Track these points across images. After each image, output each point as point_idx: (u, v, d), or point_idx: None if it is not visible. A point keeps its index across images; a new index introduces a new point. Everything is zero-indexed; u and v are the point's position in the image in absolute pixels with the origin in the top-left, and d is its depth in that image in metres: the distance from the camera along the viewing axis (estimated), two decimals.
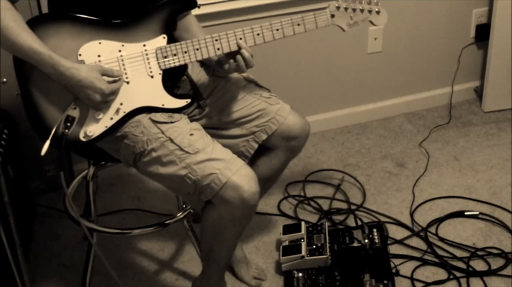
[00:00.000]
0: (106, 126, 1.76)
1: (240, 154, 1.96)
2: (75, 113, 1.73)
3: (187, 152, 1.72)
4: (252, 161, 2.03)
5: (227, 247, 1.88)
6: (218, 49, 1.80)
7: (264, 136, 1.97)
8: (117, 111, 1.76)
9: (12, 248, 1.97)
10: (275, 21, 1.82)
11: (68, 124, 1.72)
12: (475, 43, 3.17)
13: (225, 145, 1.85)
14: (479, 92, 3.24)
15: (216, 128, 1.97)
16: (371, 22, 1.90)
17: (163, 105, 1.80)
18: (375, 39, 2.98)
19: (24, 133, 2.39)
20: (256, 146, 1.98)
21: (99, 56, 1.73)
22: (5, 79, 1.70)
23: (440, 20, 3.06)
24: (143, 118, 1.78)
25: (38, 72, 1.68)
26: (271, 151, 2.03)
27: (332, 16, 1.86)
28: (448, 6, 3.03)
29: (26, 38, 1.63)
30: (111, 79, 1.72)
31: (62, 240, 2.43)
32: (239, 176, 1.69)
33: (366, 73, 3.05)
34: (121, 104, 1.76)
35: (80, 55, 1.72)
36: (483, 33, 3.10)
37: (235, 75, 1.96)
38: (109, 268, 1.83)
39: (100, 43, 1.73)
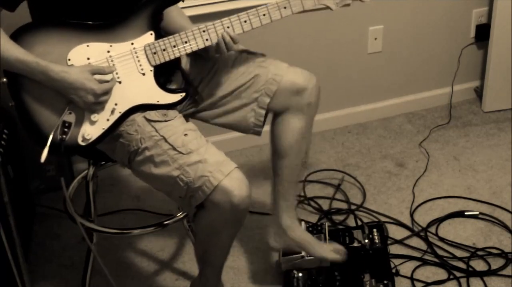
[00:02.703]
0: (103, 128, 1.76)
1: (252, 126, 1.95)
2: (70, 118, 1.72)
3: (180, 152, 1.70)
4: (273, 135, 2.01)
5: (221, 250, 1.87)
6: (207, 39, 1.80)
7: (267, 99, 1.93)
8: (113, 111, 1.75)
9: (12, 248, 1.96)
10: (261, 6, 1.81)
11: (65, 129, 1.71)
12: (475, 43, 3.17)
13: (233, 122, 1.88)
14: (479, 92, 3.24)
15: (215, 107, 1.96)
16: None
17: (158, 101, 1.79)
18: (375, 39, 2.98)
19: (24, 133, 2.38)
20: (263, 112, 1.94)
21: (88, 59, 1.73)
22: (5, 79, 1.70)
23: (440, 20, 3.06)
24: (138, 116, 1.78)
25: (29, 81, 1.68)
26: (287, 114, 1.97)
27: None
28: (448, 6, 3.03)
29: (11, 50, 1.64)
30: (103, 77, 1.72)
31: (62, 240, 2.43)
32: (230, 179, 1.66)
33: (366, 73, 3.06)
34: (115, 104, 1.75)
35: (69, 59, 1.71)
36: (483, 33, 3.10)
37: None
38: (104, 268, 1.84)
39: (88, 45, 1.73)
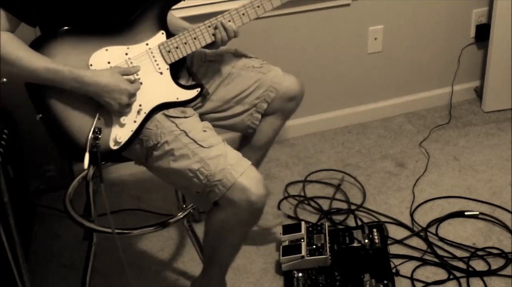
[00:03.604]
0: (132, 130, 1.77)
1: (247, 128, 2.03)
2: (100, 123, 1.73)
3: (202, 146, 1.72)
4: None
5: (230, 249, 1.88)
6: (213, 34, 1.85)
7: (265, 105, 2.01)
8: (139, 112, 1.78)
9: (12, 248, 1.96)
10: (255, 0, 1.88)
11: (98, 135, 1.71)
12: (475, 43, 3.17)
13: (232, 125, 1.94)
14: (479, 92, 3.24)
15: (219, 111, 1.99)
16: None
17: (177, 98, 1.83)
18: (375, 39, 2.98)
19: (24, 133, 2.39)
20: (260, 117, 2.02)
21: (109, 62, 1.74)
22: (5, 79, 1.70)
23: (440, 20, 3.06)
24: (156, 113, 1.80)
25: (55, 91, 1.68)
26: (273, 115, 2.06)
27: None
28: (448, 6, 3.03)
29: (39, 61, 1.63)
30: (130, 78, 1.74)
31: (62, 240, 2.43)
32: (246, 178, 1.68)
33: (366, 73, 3.06)
34: (140, 105, 1.78)
35: (91, 65, 1.72)
36: (483, 33, 3.10)
37: (225, 55, 2.00)
38: (126, 266, 1.83)
39: (106, 50, 1.74)
